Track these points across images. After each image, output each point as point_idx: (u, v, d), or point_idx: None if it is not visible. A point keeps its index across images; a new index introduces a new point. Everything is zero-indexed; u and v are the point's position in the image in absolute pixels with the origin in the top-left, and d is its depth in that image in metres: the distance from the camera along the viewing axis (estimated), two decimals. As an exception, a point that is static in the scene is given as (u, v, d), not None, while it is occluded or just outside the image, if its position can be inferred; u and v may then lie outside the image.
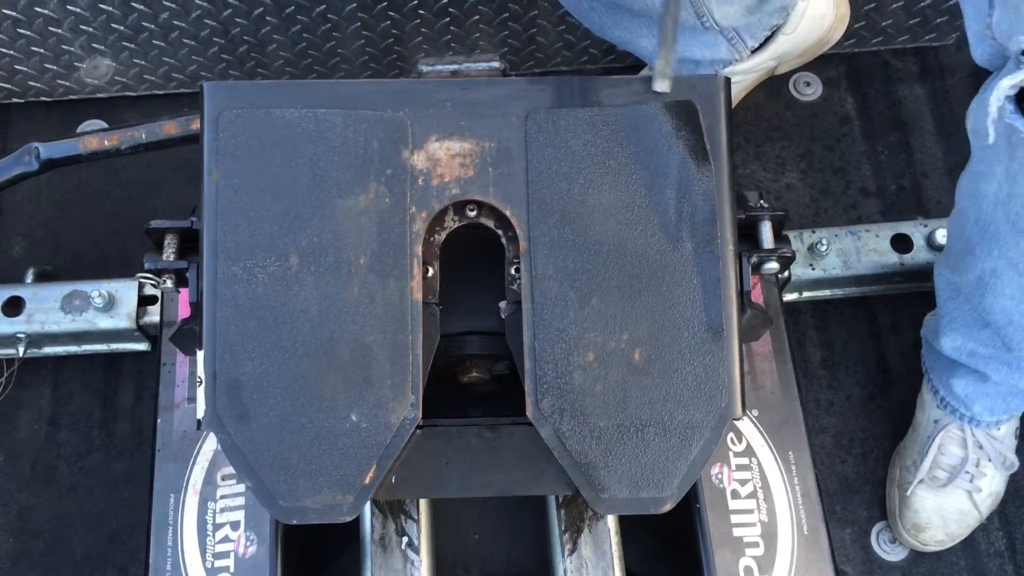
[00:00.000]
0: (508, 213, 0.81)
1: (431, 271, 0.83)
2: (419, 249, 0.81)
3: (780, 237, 0.92)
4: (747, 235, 0.90)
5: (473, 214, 0.83)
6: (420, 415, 0.80)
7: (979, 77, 0.97)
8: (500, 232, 0.84)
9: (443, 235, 0.84)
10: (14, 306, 1.29)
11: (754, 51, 1.28)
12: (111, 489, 1.30)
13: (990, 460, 1.21)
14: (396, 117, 0.82)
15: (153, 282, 0.87)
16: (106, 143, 1.02)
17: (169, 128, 1.01)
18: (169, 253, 0.87)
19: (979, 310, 1.06)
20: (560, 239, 0.81)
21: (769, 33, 1.27)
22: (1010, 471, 1.24)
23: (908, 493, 1.23)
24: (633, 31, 1.19)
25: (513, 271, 0.83)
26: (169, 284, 0.87)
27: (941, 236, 1.31)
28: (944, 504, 1.22)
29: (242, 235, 0.81)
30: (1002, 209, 0.93)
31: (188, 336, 0.90)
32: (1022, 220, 0.91)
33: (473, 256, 0.85)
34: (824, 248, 1.30)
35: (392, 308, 0.81)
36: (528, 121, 0.82)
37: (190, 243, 0.88)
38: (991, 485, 1.23)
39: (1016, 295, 0.99)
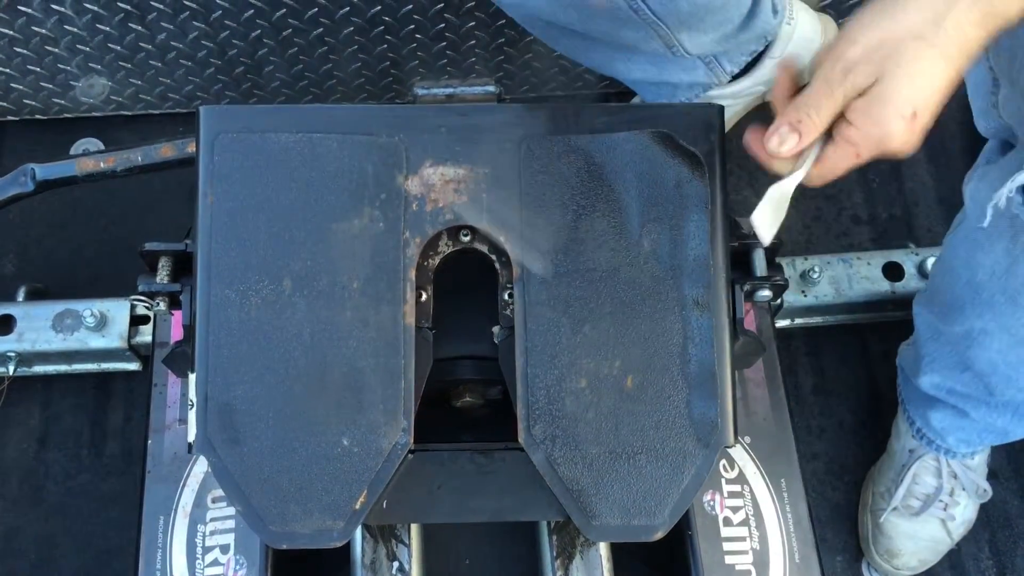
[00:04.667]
0: (502, 239, 0.82)
1: (424, 296, 0.83)
2: (413, 274, 0.81)
3: (773, 264, 0.92)
4: (740, 262, 0.91)
5: (467, 239, 0.84)
6: (412, 440, 0.80)
7: (969, 108, 0.97)
8: (494, 258, 0.84)
9: (437, 260, 0.84)
10: (5, 324, 1.29)
11: (738, 76, 1.28)
12: (99, 510, 1.29)
13: (964, 489, 1.22)
14: (391, 142, 0.82)
15: (147, 304, 0.87)
16: (102, 165, 1.03)
17: (165, 151, 1.02)
18: (163, 275, 0.87)
19: (963, 357, 1.06)
20: (553, 265, 0.82)
21: (750, 59, 1.27)
22: (982, 499, 1.24)
23: (881, 520, 1.23)
24: (607, 56, 1.19)
25: (506, 296, 0.83)
26: (162, 306, 0.87)
27: (932, 265, 1.31)
28: (918, 531, 1.22)
29: (236, 258, 0.81)
30: (999, 282, 0.92)
31: (180, 359, 0.90)
32: (1020, 295, 0.91)
33: (466, 281, 0.85)
34: (816, 275, 1.31)
35: (385, 332, 0.81)
36: (522, 147, 0.82)
37: (184, 265, 0.88)
38: (964, 513, 1.23)
39: (1003, 349, 0.99)
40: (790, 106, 0.66)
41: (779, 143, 0.67)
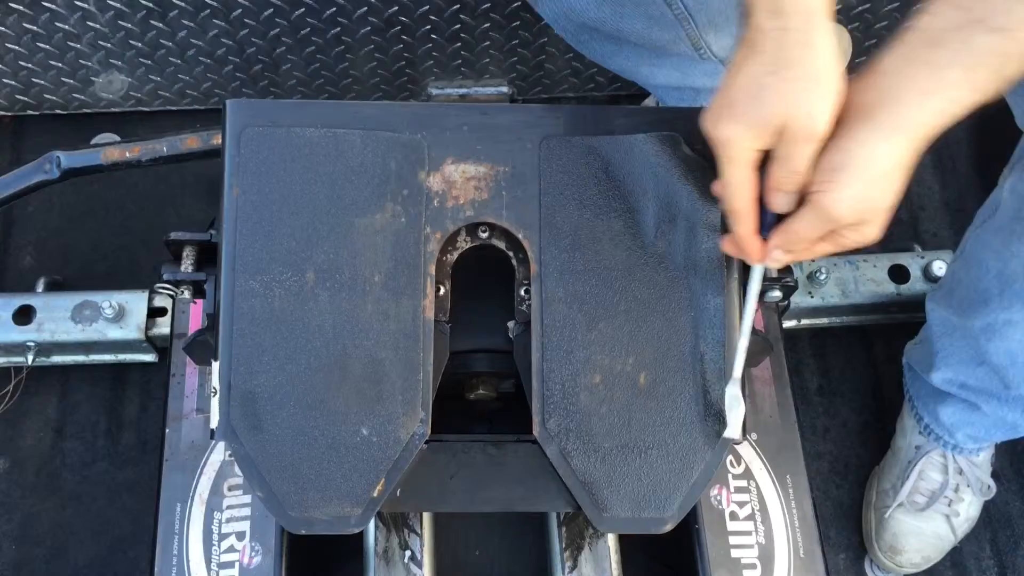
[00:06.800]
0: (520, 236, 0.83)
1: (443, 290, 0.85)
2: (432, 268, 0.83)
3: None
4: (751, 263, 0.92)
5: (485, 236, 0.85)
6: (429, 431, 0.82)
7: (975, 115, 0.99)
8: (511, 254, 0.86)
9: (455, 255, 0.86)
10: (25, 315, 1.31)
11: None
12: (115, 498, 1.31)
13: (969, 486, 1.23)
14: (414, 139, 0.84)
15: (170, 292, 0.89)
16: (127, 154, 1.04)
17: (190, 142, 1.03)
18: (188, 264, 0.89)
19: (980, 351, 1.07)
20: (570, 263, 0.83)
21: None
22: (987, 497, 1.26)
23: (886, 516, 1.25)
24: (634, 60, 1.21)
25: (523, 292, 0.85)
26: (187, 294, 0.89)
27: (937, 268, 1.33)
28: (922, 528, 1.24)
29: (260, 250, 0.83)
30: None
31: (202, 347, 0.92)
32: None
33: (484, 276, 0.87)
34: (823, 277, 1.33)
35: (404, 325, 0.82)
36: (542, 147, 0.84)
37: (207, 255, 0.90)
38: (968, 510, 1.25)
39: None
40: (783, 233, 0.74)
41: (775, 263, 0.77)
